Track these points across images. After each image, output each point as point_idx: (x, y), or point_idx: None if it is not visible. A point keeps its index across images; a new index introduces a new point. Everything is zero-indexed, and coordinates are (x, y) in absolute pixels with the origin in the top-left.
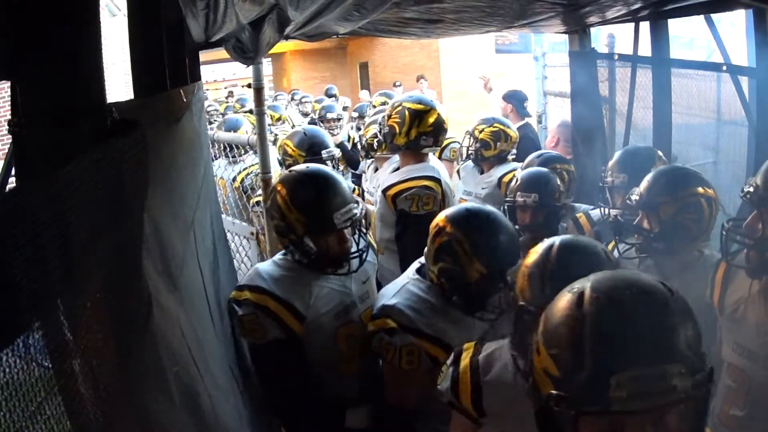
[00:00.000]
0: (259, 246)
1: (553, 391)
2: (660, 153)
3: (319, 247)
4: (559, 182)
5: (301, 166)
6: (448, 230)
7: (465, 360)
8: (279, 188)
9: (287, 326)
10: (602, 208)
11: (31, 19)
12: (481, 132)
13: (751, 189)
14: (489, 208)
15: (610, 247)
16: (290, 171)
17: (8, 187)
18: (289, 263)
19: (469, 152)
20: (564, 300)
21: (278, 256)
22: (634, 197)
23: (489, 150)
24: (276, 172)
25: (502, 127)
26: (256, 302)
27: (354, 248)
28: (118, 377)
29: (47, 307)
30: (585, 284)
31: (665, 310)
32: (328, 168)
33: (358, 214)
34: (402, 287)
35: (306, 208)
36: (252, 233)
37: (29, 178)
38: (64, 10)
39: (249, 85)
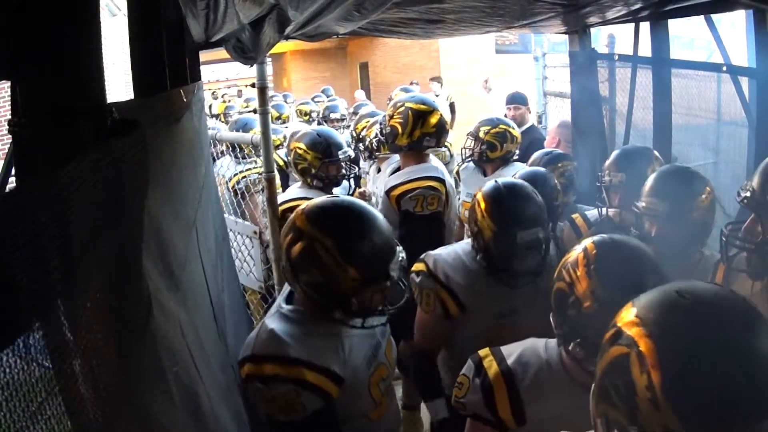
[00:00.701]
0: (262, 245)
1: None
2: (656, 153)
3: (362, 302)
4: (556, 182)
5: (327, 200)
6: (477, 197)
7: (492, 368)
8: (317, 236)
9: (328, 395)
10: (600, 208)
11: (31, 19)
12: (486, 134)
13: (748, 194)
14: (521, 182)
15: None
16: (316, 207)
17: (8, 187)
18: (304, 315)
19: (472, 154)
20: (694, 352)
21: (286, 308)
22: (650, 206)
23: (495, 151)
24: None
25: (506, 127)
26: (290, 378)
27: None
28: (119, 377)
29: (47, 307)
30: (710, 325)
31: None
32: (361, 202)
33: (405, 259)
34: (454, 245)
35: (364, 265)
36: (255, 232)
37: (29, 178)
38: (64, 10)
39: (253, 85)
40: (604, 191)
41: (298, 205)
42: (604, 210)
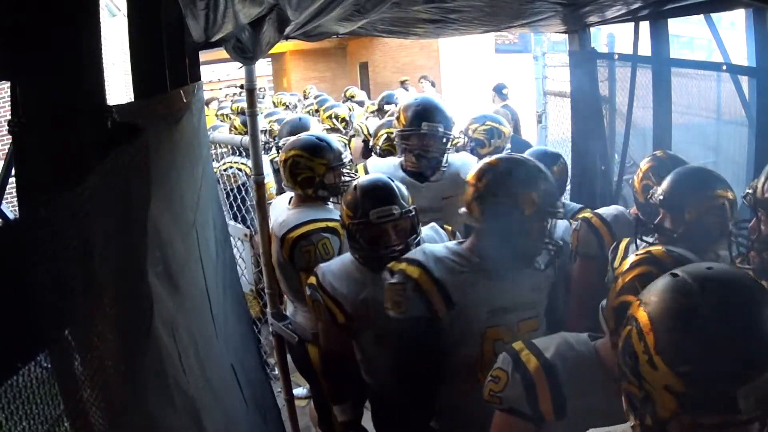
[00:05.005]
0: (253, 248)
1: (678, 408)
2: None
3: None
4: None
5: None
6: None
7: (531, 362)
8: None
9: (433, 307)
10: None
11: (31, 19)
12: (474, 131)
13: (750, 191)
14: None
15: (623, 244)
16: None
17: (8, 187)
18: (460, 250)
19: (465, 151)
20: (679, 311)
21: (453, 242)
22: (658, 196)
23: (484, 148)
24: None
25: (494, 124)
26: (407, 273)
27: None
28: (126, 384)
29: (65, 322)
30: (693, 288)
31: None
32: None
33: None
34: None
35: None
36: (246, 235)
37: (29, 178)
38: (64, 10)
39: (242, 86)
40: (639, 190)
41: (311, 231)
42: (632, 210)
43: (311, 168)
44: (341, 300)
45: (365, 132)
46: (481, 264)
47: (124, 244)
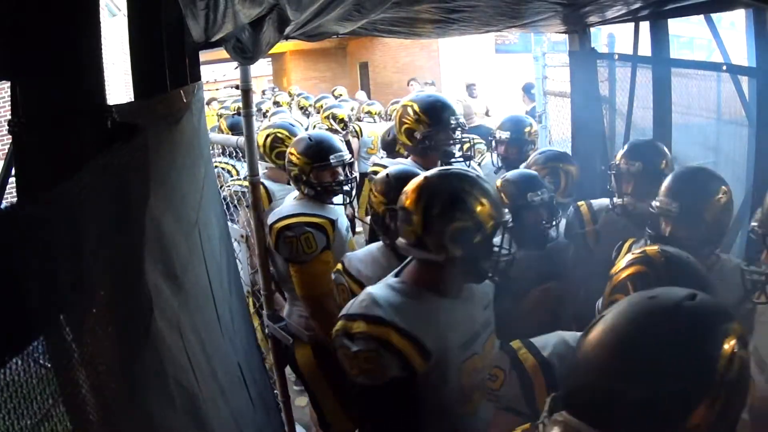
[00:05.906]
0: (249, 249)
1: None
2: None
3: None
4: (549, 182)
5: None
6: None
7: (529, 361)
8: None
9: (410, 365)
10: (612, 197)
11: (31, 19)
12: (529, 134)
13: (756, 224)
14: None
15: (627, 244)
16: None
17: (8, 187)
18: (407, 287)
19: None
20: (599, 316)
21: (392, 279)
22: (663, 205)
23: (534, 148)
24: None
25: (538, 125)
26: (374, 336)
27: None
28: (122, 383)
29: (55, 316)
30: (613, 307)
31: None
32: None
33: None
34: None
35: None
36: (242, 236)
37: (29, 178)
38: (64, 10)
39: (237, 87)
40: (615, 180)
41: (295, 223)
42: (616, 198)
43: (298, 166)
44: (365, 282)
45: (358, 131)
46: (440, 296)
47: (119, 241)
